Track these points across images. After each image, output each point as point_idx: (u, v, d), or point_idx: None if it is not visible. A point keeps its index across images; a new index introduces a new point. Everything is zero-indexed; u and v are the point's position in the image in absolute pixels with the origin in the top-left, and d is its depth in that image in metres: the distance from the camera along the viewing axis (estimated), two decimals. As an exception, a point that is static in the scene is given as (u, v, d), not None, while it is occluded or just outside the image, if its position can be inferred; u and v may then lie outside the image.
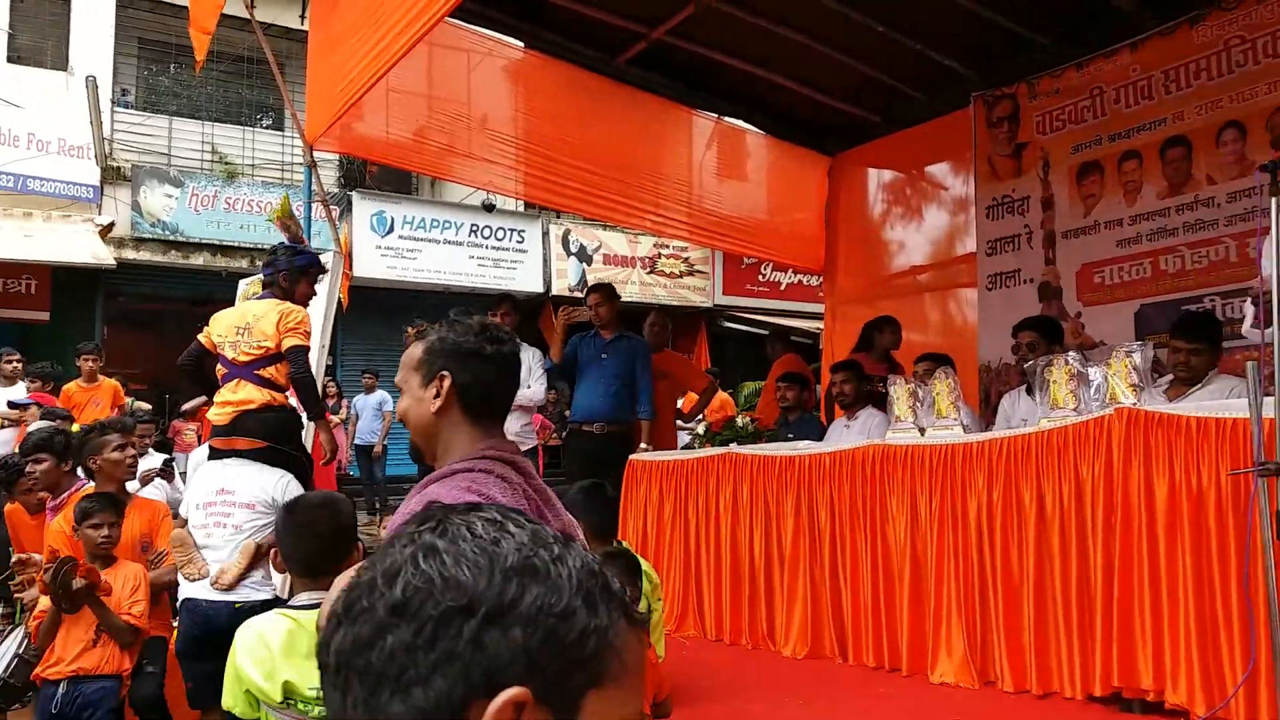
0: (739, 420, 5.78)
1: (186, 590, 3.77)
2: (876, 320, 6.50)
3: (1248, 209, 5.11)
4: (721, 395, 10.73)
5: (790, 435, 5.65)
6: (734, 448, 5.21)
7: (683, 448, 6.40)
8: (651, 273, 13.71)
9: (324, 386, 10.66)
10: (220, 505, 3.90)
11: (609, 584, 0.67)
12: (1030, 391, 4.92)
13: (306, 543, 2.38)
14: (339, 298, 5.55)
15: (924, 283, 7.31)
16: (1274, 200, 2.58)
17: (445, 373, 1.80)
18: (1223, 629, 2.91)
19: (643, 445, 5.86)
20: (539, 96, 6.53)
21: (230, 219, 11.84)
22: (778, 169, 7.80)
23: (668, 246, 13.60)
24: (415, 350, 1.87)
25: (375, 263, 11.99)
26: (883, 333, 6.45)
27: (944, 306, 7.25)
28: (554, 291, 12.63)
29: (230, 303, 5.70)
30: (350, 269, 6.00)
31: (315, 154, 5.62)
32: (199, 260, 11.72)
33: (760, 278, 14.58)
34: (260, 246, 12.02)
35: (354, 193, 12.21)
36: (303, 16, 6.56)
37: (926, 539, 4.05)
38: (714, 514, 5.08)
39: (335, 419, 11.02)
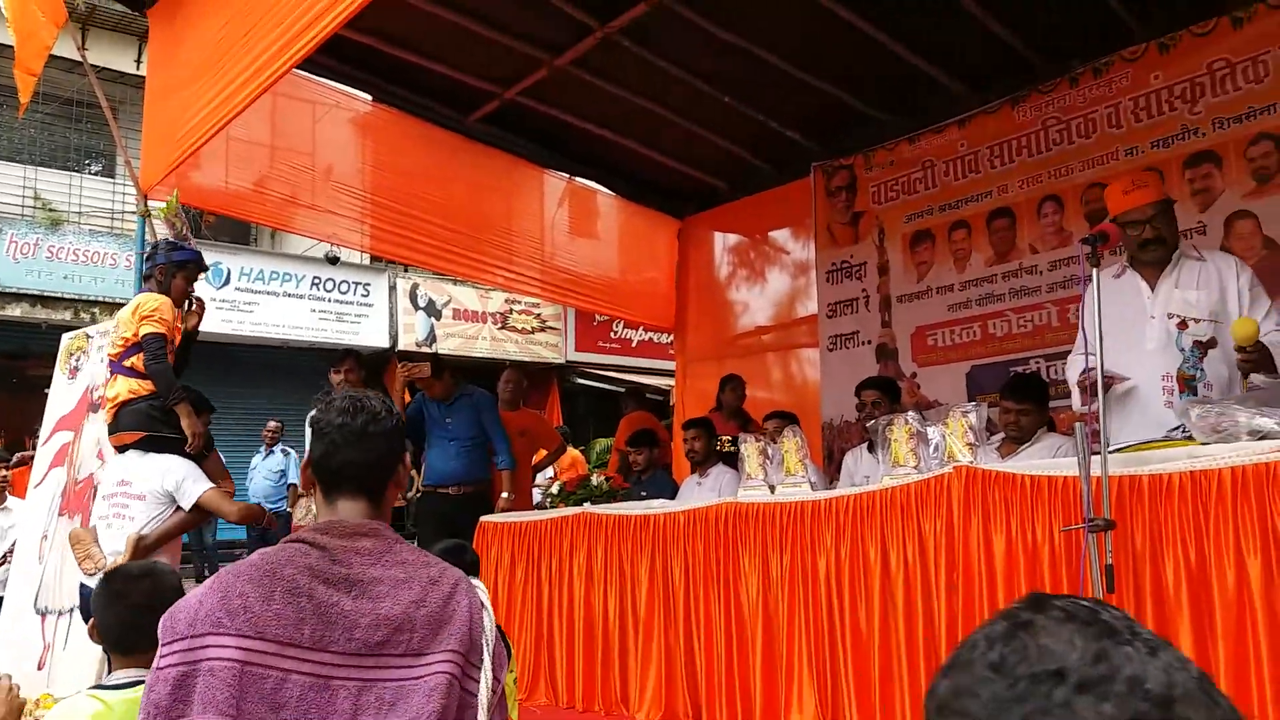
0: (594, 479, 5.74)
1: (85, 583, 3.88)
2: (722, 379, 6.65)
3: (1066, 277, 5.50)
4: (573, 454, 10.67)
5: (643, 494, 5.66)
6: (588, 507, 5.16)
7: (535, 507, 6.31)
8: (503, 328, 13.60)
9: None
10: (119, 497, 4.09)
11: (1209, 692, 0.68)
12: (871, 449, 5.10)
13: (121, 615, 2.20)
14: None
15: (769, 342, 7.52)
16: (1095, 271, 2.78)
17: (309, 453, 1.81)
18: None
19: (504, 495, 5.80)
20: (387, 150, 6.44)
21: (53, 268, 11.14)
22: (629, 229, 7.92)
23: (520, 302, 13.55)
24: None
25: (210, 316, 11.36)
26: (724, 391, 6.59)
27: (788, 366, 7.47)
28: (401, 346, 12.35)
29: (51, 358, 5.39)
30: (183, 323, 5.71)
31: (150, 202, 5.35)
32: (16, 311, 10.95)
33: (613, 335, 14.69)
34: (85, 298, 11.33)
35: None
36: (138, 61, 6.30)
37: (778, 596, 4.09)
38: (567, 576, 5.00)
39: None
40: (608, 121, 6.56)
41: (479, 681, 1.64)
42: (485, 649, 1.67)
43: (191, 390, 4.39)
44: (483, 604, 1.71)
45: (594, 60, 5.62)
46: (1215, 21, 5.02)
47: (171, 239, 4.72)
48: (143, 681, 1.60)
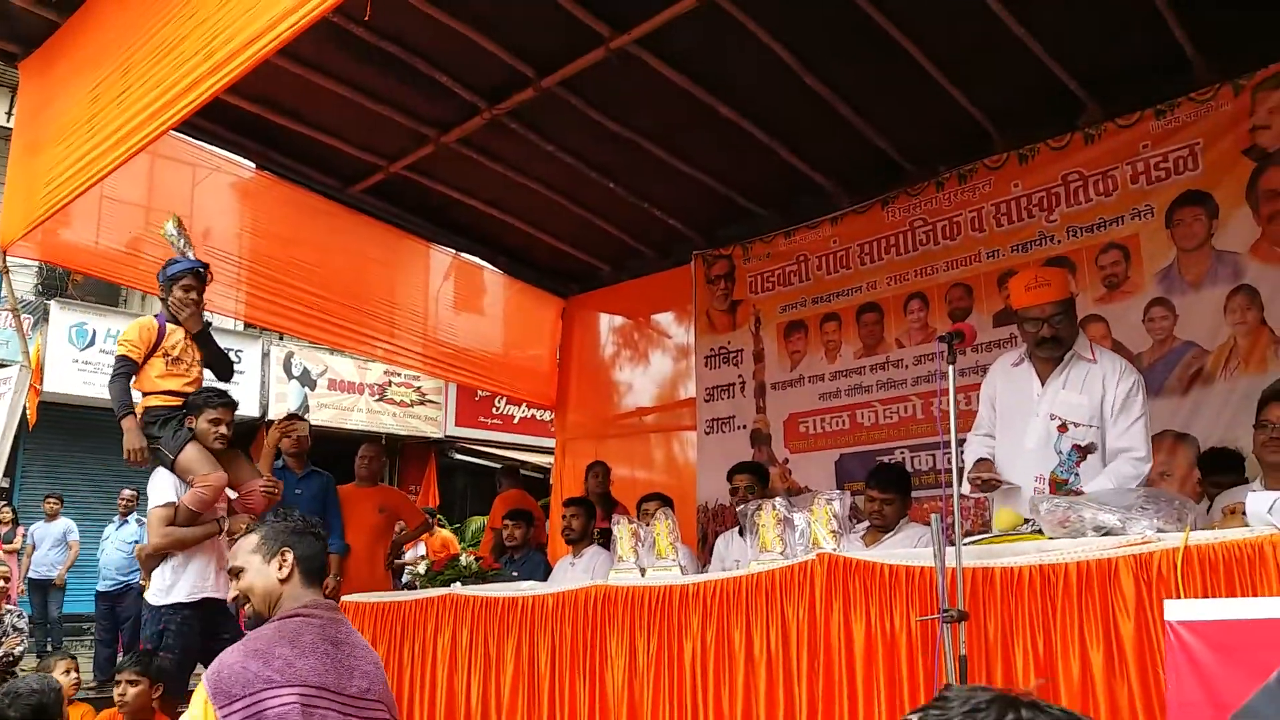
0: (463, 559, 5.62)
1: None
2: (588, 465, 6.70)
3: (930, 371, 5.73)
4: (445, 535, 10.45)
5: (515, 574, 5.56)
6: (456, 588, 5.04)
7: (404, 586, 6.14)
8: (380, 400, 13.30)
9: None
10: None
11: None
12: (742, 533, 5.15)
13: None
14: (24, 414, 5.03)
15: (649, 424, 7.57)
16: (950, 368, 2.90)
17: (287, 548, 2.42)
18: (913, 767, 3.08)
19: (330, 579, 5.72)
20: (268, 217, 6.32)
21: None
22: (514, 306, 7.92)
23: (399, 374, 13.31)
24: (252, 537, 2.47)
25: (71, 377, 10.88)
26: (588, 478, 6.62)
27: (668, 447, 7.52)
28: (271, 416, 11.94)
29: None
30: (40, 383, 5.44)
31: (9, 259, 5.12)
32: None
33: (494, 410, 14.53)
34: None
35: (53, 301, 11.15)
36: (9, 113, 6.07)
37: (644, 681, 4.05)
38: (430, 660, 4.84)
39: (6, 548, 9.65)
40: (494, 199, 6.60)
41: None
42: None
43: (205, 392, 4.63)
44: None
45: (481, 139, 5.68)
46: (1069, 136, 5.39)
47: (174, 257, 4.82)
48: None
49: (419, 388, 13.77)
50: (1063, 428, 3.47)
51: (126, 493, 9.90)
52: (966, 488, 3.68)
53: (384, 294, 6.97)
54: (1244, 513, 2.53)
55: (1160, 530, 2.72)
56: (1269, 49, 4.74)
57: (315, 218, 6.45)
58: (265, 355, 12.44)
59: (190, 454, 4.46)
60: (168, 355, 4.58)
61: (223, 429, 4.52)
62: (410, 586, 5.91)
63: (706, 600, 3.90)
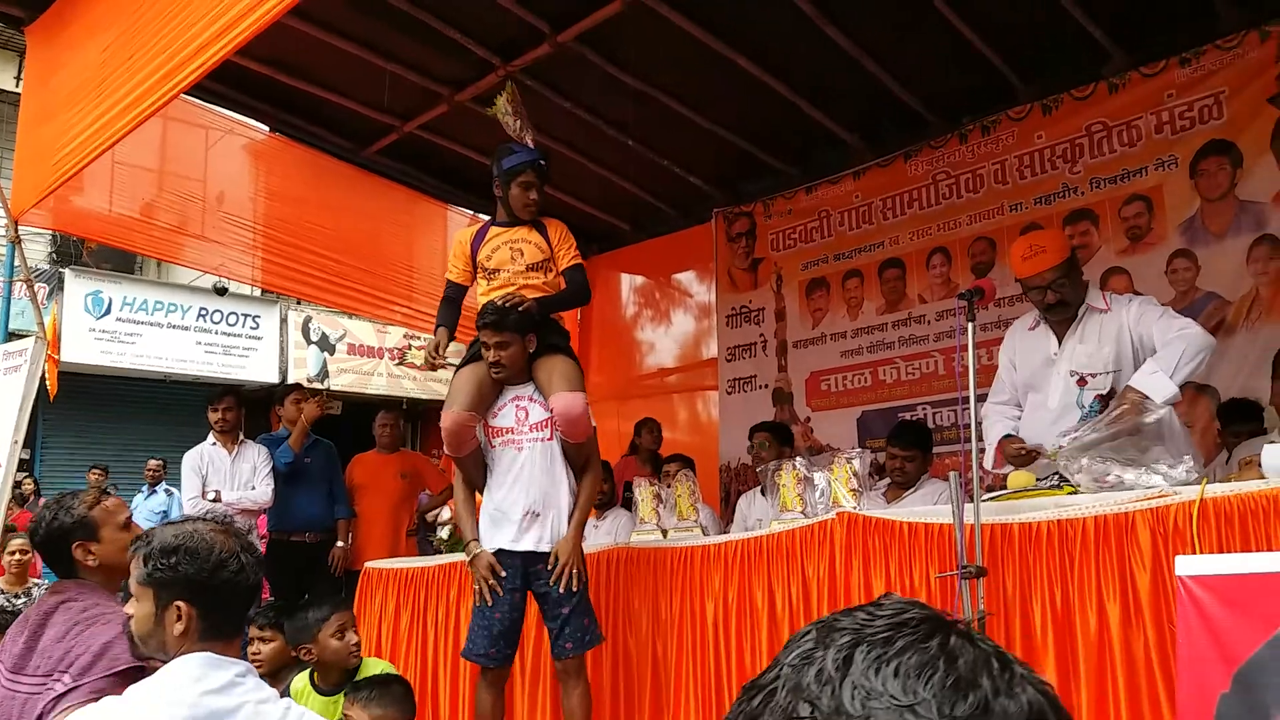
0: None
1: None
2: (638, 422, 6.66)
3: (953, 327, 5.67)
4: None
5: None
6: (480, 550, 5.07)
7: (434, 551, 6.20)
8: (400, 364, 13.33)
9: (20, 484, 9.46)
10: None
11: None
12: (764, 492, 5.15)
13: None
14: (44, 385, 5.02)
15: (672, 384, 7.56)
16: (971, 324, 2.86)
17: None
18: None
19: (340, 544, 5.88)
20: (283, 180, 6.31)
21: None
22: (534, 267, 7.87)
23: (419, 338, 13.30)
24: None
25: (88, 347, 10.96)
26: (640, 434, 6.60)
27: (691, 407, 7.52)
28: (291, 381, 12.00)
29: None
30: (58, 353, 5.45)
31: (21, 228, 5.11)
32: None
33: (516, 371, 14.48)
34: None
35: (67, 269, 11.20)
36: (18, 78, 6.05)
37: (667, 639, 4.08)
38: (454, 624, 4.88)
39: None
40: (511, 160, 6.54)
41: None
42: None
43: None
44: None
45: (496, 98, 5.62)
46: (1094, 86, 5.28)
47: (511, 142, 4.07)
48: None
49: (440, 351, 13.77)
50: (1081, 381, 3.43)
51: (153, 463, 10.00)
52: (990, 461, 3.64)
53: (402, 257, 6.96)
54: (1260, 465, 2.50)
55: (1179, 482, 2.70)
56: (1299, -7, 4.62)
57: (330, 180, 6.42)
58: (283, 320, 12.49)
59: (452, 382, 3.86)
60: (484, 268, 3.95)
61: (490, 355, 3.66)
62: (436, 551, 5.98)
63: (728, 560, 3.91)
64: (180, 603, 1.83)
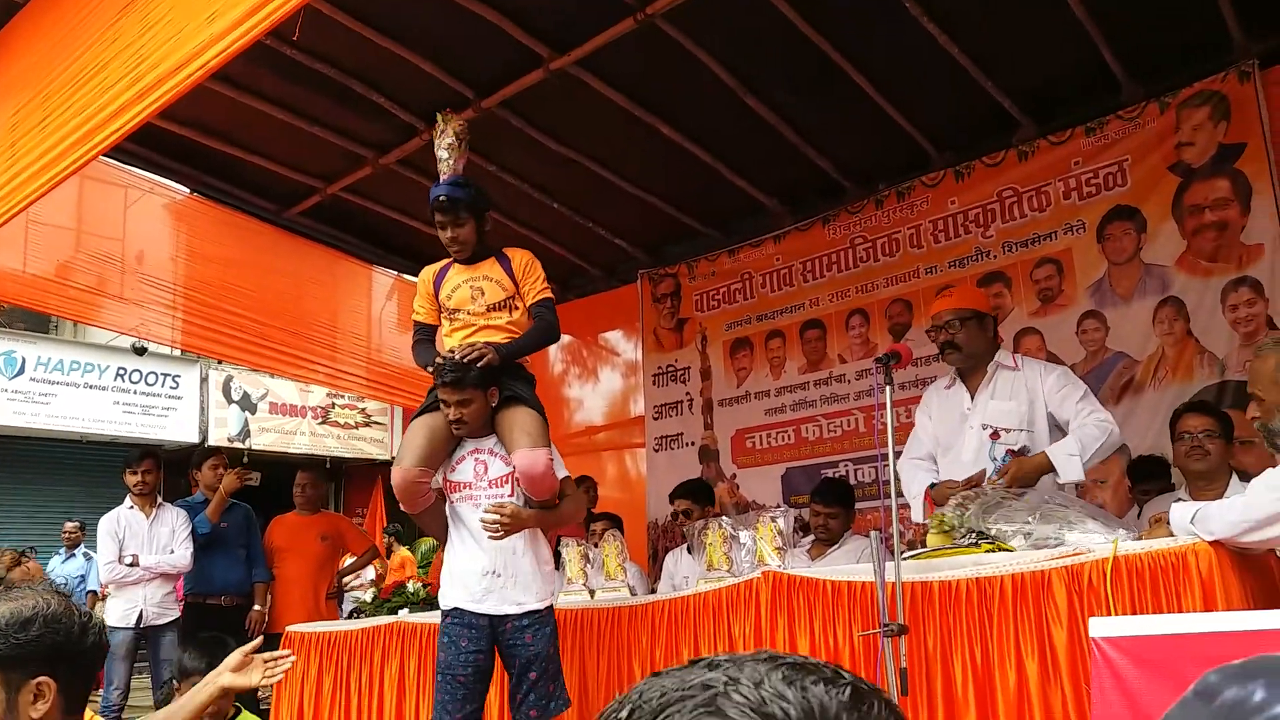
0: (410, 585, 5.55)
1: None
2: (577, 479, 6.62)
3: (871, 386, 5.79)
4: (403, 554, 10.31)
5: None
6: (404, 615, 4.98)
7: (349, 616, 6.05)
8: (324, 423, 13.09)
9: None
10: None
11: None
12: (691, 550, 5.16)
13: None
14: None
15: (601, 441, 7.55)
16: (888, 388, 2.94)
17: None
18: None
19: (256, 607, 5.79)
20: (203, 240, 6.22)
21: None
22: (459, 327, 7.85)
23: (343, 396, 13.13)
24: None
25: (1, 408, 10.60)
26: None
27: (619, 464, 7.51)
28: (211, 441, 11.70)
29: None
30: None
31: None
32: None
33: (441, 431, 14.34)
34: None
35: (-21, 329, 10.87)
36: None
37: (594, 702, 4.03)
38: (378, 688, 4.77)
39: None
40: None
41: None
42: None
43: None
44: None
45: (421, 160, 5.62)
46: (1004, 154, 5.50)
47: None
48: None
49: (363, 409, 13.59)
50: (994, 435, 3.55)
51: (70, 525, 9.66)
52: (918, 513, 3.73)
53: (325, 317, 6.89)
54: (1169, 522, 2.59)
55: (1095, 539, 2.78)
56: (1193, 68, 4.90)
57: (252, 240, 6.36)
58: (204, 379, 12.20)
59: (406, 433, 3.70)
60: (445, 308, 3.74)
61: (450, 413, 3.46)
62: (358, 614, 5.84)
63: (655, 620, 3.90)
64: (42, 678, 1.65)
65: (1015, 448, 3.55)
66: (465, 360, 3.44)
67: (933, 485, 3.70)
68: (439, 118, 4.00)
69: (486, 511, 3.36)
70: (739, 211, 6.41)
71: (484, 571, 3.45)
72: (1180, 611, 2.39)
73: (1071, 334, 5.21)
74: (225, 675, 2.35)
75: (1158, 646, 1.81)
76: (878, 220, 5.94)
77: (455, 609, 3.47)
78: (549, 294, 3.81)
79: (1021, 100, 5.23)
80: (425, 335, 3.81)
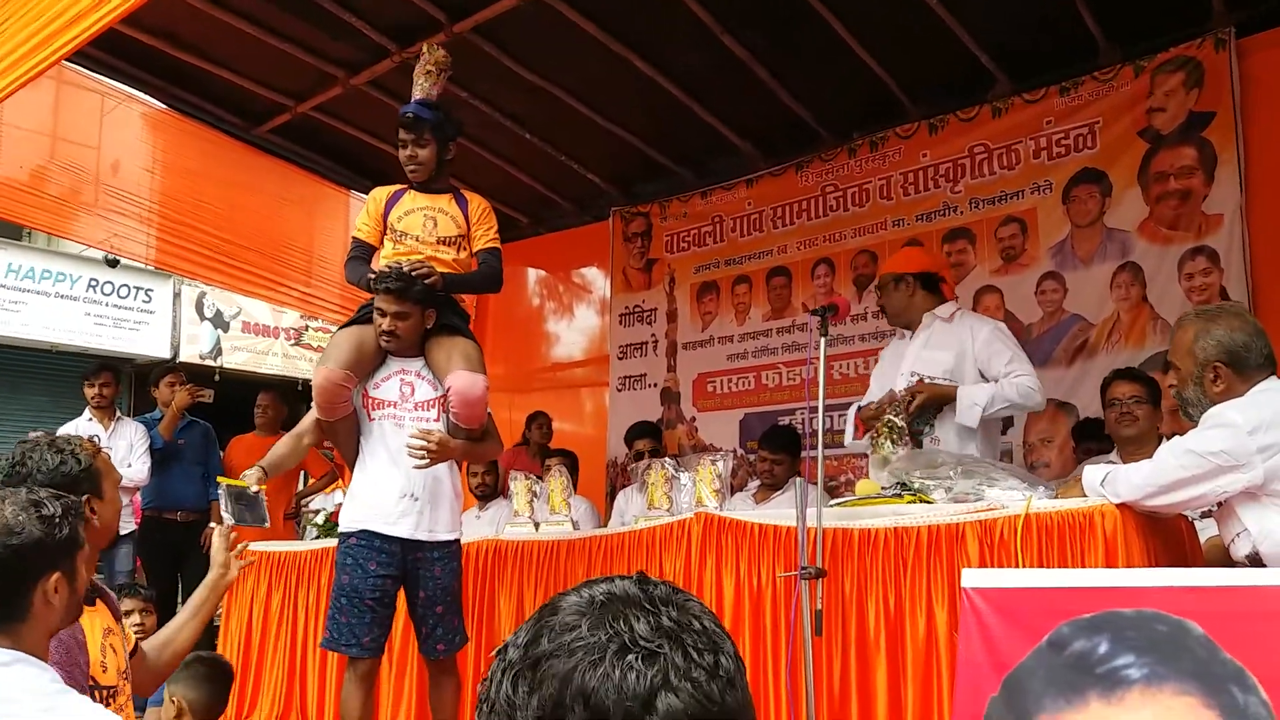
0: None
1: None
2: (529, 415, 6.67)
3: (833, 335, 5.79)
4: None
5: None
6: (234, 573, 5.04)
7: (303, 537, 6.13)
8: (297, 345, 13.00)
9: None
10: None
11: None
12: (641, 490, 5.25)
13: None
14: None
15: (566, 378, 7.58)
16: (823, 340, 2.98)
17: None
18: (772, 709, 3.20)
19: (212, 525, 5.66)
20: (179, 155, 6.14)
21: None
22: (432, 255, 7.81)
23: (316, 319, 13.04)
24: None
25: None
26: (530, 428, 6.62)
27: (584, 401, 7.54)
28: (183, 358, 11.64)
29: None
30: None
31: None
32: None
33: (414, 359, 14.31)
34: None
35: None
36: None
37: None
38: (324, 607, 4.85)
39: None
40: (410, 146, 6.49)
41: None
42: None
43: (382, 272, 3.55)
44: None
45: (392, 83, 5.57)
46: (978, 109, 5.47)
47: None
48: None
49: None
50: (920, 381, 3.63)
51: (35, 435, 9.64)
52: (849, 436, 3.91)
53: (301, 241, 6.84)
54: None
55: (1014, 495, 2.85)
56: (1171, 33, 4.87)
57: (226, 158, 6.28)
58: (177, 295, 12.09)
59: (331, 340, 3.61)
60: (393, 230, 3.69)
61: (384, 323, 3.43)
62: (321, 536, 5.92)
63: (592, 554, 3.99)
64: (55, 575, 1.73)
65: None
66: (412, 273, 3.43)
67: (859, 407, 3.84)
68: (424, 48, 3.97)
69: (414, 436, 3.35)
70: (713, 152, 6.37)
71: (401, 494, 3.43)
72: (1083, 567, 2.47)
73: (1031, 294, 5.24)
74: (234, 569, 2.73)
75: (1021, 599, 1.87)
76: (850, 169, 5.93)
77: (363, 530, 3.41)
78: (498, 244, 3.85)
79: (999, 56, 5.19)
80: (363, 254, 3.77)
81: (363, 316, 3.58)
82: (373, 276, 3.49)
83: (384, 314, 3.42)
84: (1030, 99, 5.32)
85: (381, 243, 3.75)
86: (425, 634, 3.52)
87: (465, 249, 3.75)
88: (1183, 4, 4.76)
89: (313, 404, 3.55)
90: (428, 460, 3.33)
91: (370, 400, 3.53)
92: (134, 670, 2.36)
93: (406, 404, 3.52)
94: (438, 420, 3.51)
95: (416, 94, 3.84)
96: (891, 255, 4.05)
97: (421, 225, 3.66)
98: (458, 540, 3.62)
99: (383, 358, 3.57)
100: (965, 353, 3.66)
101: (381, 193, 3.80)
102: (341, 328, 3.65)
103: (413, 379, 3.54)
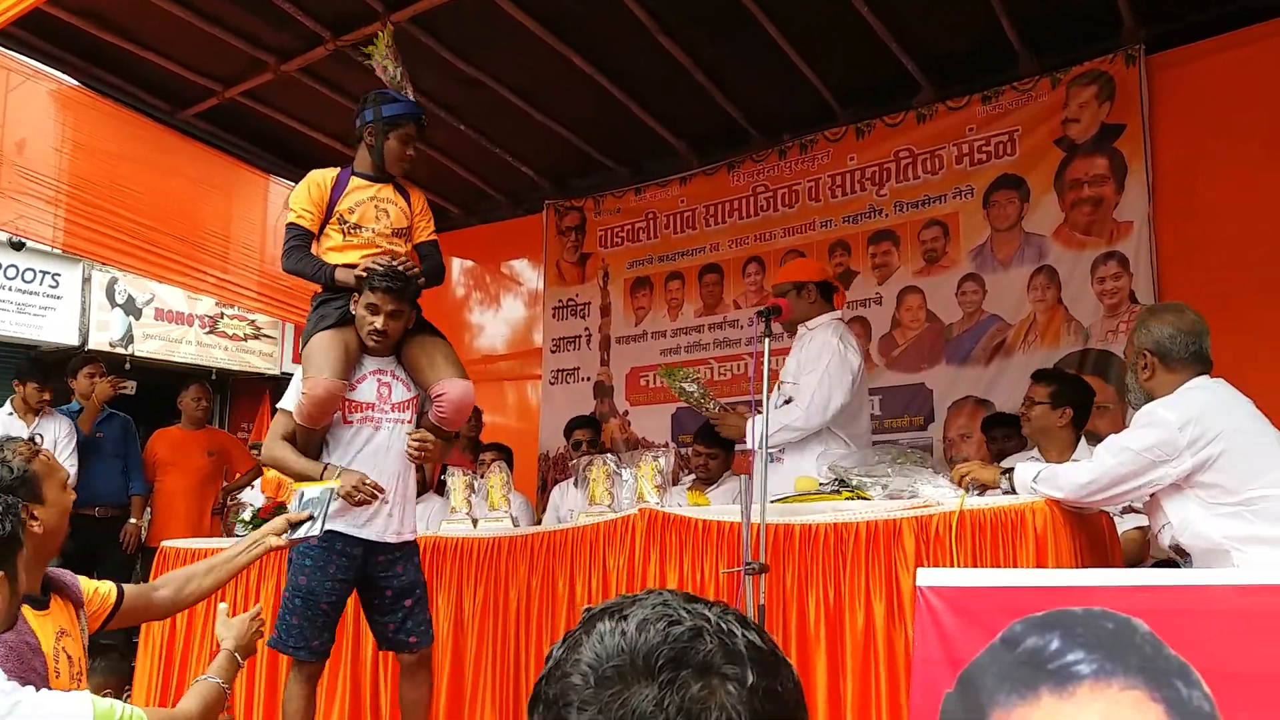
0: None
1: None
2: None
3: (763, 333, 5.94)
4: (280, 475, 10.14)
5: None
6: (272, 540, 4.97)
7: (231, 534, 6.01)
8: (211, 333, 12.65)
9: None
10: None
11: None
12: (576, 485, 5.28)
13: None
14: None
15: (498, 370, 7.56)
16: (766, 340, 3.07)
17: None
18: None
19: (132, 521, 5.72)
20: (91, 135, 5.93)
21: None
22: (358, 244, 7.71)
23: (233, 306, 12.71)
24: None
25: None
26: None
27: (515, 394, 7.54)
28: (92, 346, 11.24)
29: None
30: None
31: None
32: None
33: (334, 349, 14.07)
34: None
35: None
36: None
37: (469, 632, 4.13)
38: (249, 606, 4.78)
39: None
40: (339, 133, 6.37)
41: None
42: None
43: (377, 269, 3.40)
44: None
45: (325, 70, 5.50)
46: (904, 115, 5.64)
47: (384, 88, 3.78)
48: None
49: (253, 321, 13.15)
50: (782, 383, 3.95)
51: None
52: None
53: (218, 226, 6.68)
54: (1008, 476, 2.81)
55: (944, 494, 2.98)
56: (1087, 46, 5.09)
57: (143, 139, 6.10)
58: (86, 280, 11.65)
59: (314, 346, 3.42)
60: (344, 221, 3.55)
61: (378, 322, 3.35)
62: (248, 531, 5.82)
63: (534, 551, 4.01)
64: None
65: (787, 398, 3.92)
66: (407, 273, 3.39)
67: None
68: (381, 32, 3.96)
69: (413, 438, 3.41)
70: (648, 151, 6.43)
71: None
72: (1016, 563, 2.61)
73: (952, 294, 5.44)
74: (272, 538, 2.83)
75: (975, 597, 1.98)
76: (780, 170, 6.05)
77: (328, 531, 3.29)
78: (436, 237, 3.85)
79: (924, 63, 5.36)
80: (305, 241, 3.61)
81: (340, 321, 3.46)
82: (364, 274, 3.39)
83: (377, 312, 3.34)
84: (954, 106, 5.50)
85: (323, 232, 3.63)
86: (394, 629, 3.46)
87: (409, 240, 3.71)
88: (1097, 19, 4.98)
89: (291, 411, 3.43)
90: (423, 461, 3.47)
91: (346, 403, 3.43)
92: (132, 606, 2.59)
93: (384, 405, 3.46)
94: (410, 421, 3.51)
95: (389, 83, 3.86)
96: (788, 263, 4.28)
97: (374, 217, 3.57)
98: (415, 537, 3.62)
99: (358, 359, 3.50)
100: (803, 357, 3.95)
101: (323, 176, 3.61)
102: (313, 331, 3.49)
103: (389, 379, 3.49)
